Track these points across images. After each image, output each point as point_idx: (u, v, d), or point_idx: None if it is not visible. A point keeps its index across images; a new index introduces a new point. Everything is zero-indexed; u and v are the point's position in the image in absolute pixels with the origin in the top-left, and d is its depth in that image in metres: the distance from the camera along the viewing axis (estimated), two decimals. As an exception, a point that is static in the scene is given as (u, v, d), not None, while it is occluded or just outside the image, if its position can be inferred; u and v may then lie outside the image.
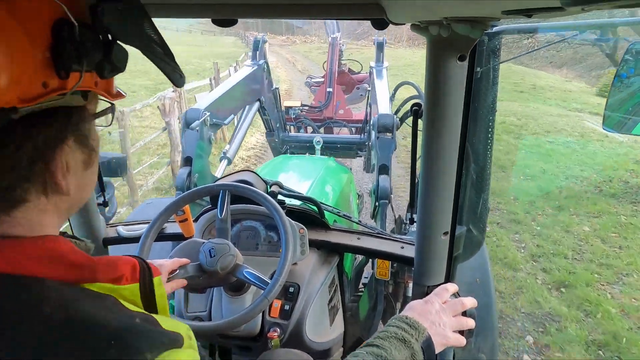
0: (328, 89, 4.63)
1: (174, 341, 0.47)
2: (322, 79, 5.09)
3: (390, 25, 0.81)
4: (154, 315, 0.49)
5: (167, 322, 0.49)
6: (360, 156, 4.11)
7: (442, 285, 0.96)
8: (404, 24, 0.81)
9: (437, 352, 0.83)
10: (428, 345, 0.82)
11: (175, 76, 0.54)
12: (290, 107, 4.56)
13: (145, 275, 0.55)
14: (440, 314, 0.87)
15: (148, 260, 0.60)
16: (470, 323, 0.91)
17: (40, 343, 0.40)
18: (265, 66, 3.54)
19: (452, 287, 0.96)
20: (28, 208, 0.47)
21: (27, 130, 0.44)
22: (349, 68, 5.29)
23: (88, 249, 0.58)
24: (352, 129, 4.59)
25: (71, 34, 0.43)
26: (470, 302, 0.93)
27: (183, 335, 0.49)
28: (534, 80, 14.52)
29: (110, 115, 0.57)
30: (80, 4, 0.46)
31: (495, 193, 5.33)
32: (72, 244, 0.50)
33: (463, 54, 0.79)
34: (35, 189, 0.47)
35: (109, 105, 0.56)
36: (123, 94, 0.57)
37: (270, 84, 3.65)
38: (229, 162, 2.87)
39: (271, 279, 1.14)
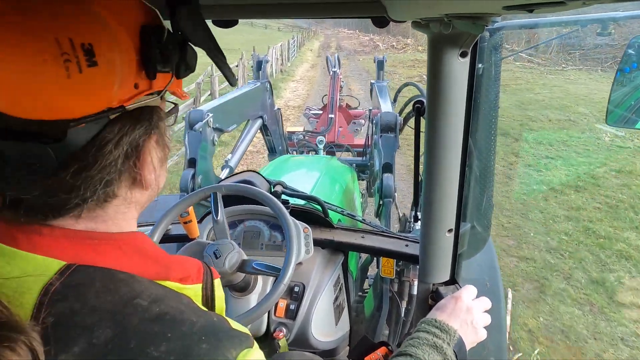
0: (330, 115, 4.68)
1: (247, 340, 0.48)
2: (321, 111, 5.20)
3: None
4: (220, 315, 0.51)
5: (233, 323, 0.50)
6: (363, 179, 4.09)
7: (467, 285, 0.97)
8: (405, 22, 0.81)
9: (468, 349, 0.83)
10: (460, 348, 0.82)
11: (231, 76, 0.57)
12: (293, 133, 4.56)
13: (208, 277, 0.57)
14: (471, 311, 0.88)
15: None
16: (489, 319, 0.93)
17: (139, 333, 0.42)
18: (268, 86, 3.56)
19: (474, 288, 0.96)
20: (118, 202, 0.50)
21: (123, 128, 0.47)
22: (346, 104, 5.41)
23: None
24: (355, 153, 4.61)
25: (158, 37, 0.47)
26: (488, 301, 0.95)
27: (250, 336, 0.50)
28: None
29: (174, 115, 0.60)
30: (158, 9, 0.50)
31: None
32: (150, 239, 0.53)
33: (464, 51, 0.78)
34: (125, 184, 0.50)
35: (173, 105, 0.59)
36: (187, 95, 0.60)
37: (272, 104, 3.67)
38: (231, 170, 2.88)
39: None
